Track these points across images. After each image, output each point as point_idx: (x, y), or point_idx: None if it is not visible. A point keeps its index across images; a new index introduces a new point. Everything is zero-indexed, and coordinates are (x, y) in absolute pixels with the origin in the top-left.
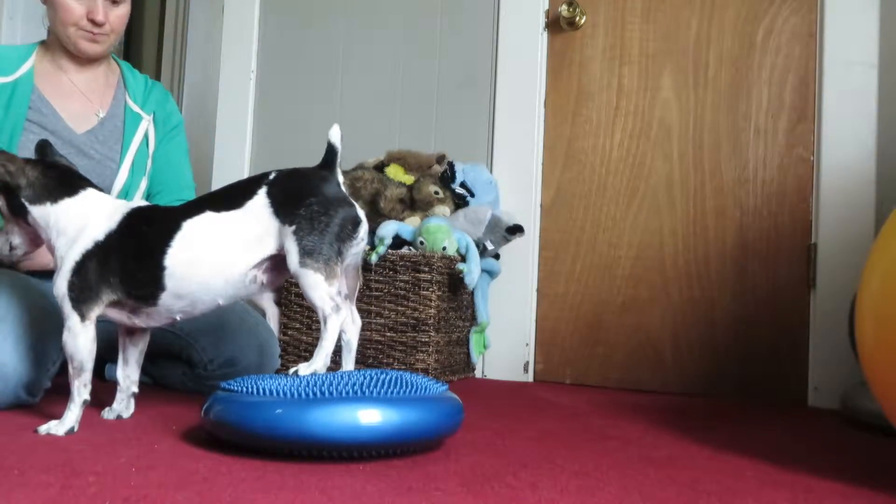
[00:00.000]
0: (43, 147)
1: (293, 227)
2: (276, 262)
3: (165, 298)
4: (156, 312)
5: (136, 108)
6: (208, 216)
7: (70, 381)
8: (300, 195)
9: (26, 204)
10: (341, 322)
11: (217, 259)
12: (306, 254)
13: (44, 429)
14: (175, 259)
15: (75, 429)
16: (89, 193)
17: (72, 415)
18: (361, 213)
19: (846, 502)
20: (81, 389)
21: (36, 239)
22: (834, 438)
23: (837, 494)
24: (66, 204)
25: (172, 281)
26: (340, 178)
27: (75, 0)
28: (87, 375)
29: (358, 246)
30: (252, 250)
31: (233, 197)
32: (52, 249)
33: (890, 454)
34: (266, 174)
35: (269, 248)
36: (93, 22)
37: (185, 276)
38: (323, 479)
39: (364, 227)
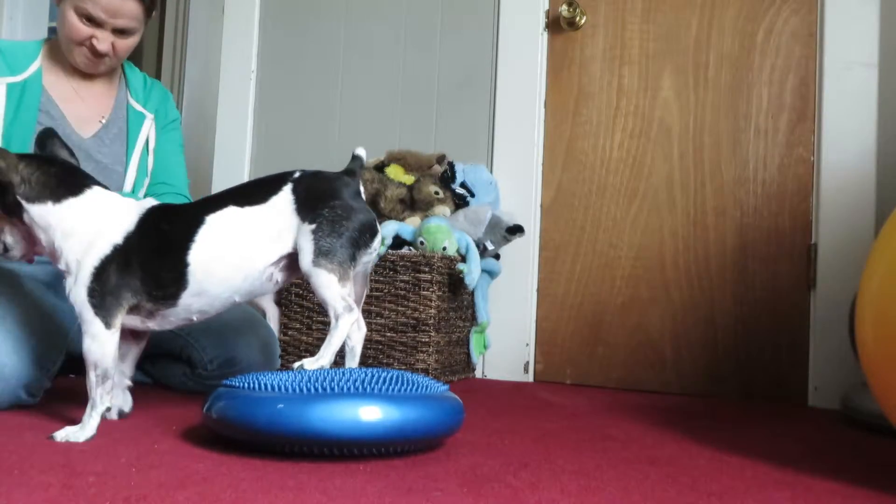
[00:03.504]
0: (45, 138)
1: (313, 226)
2: (292, 261)
3: (185, 297)
4: (173, 313)
5: (138, 107)
6: (231, 211)
7: (90, 388)
8: (324, 196)
9: (23, 202)
10: (352, 322)
11: (239, 255)
12: (322, 254)
13: (61, 435)
14: (199, 255)
15: (94, 436)
16: (96, 192)
17: (93, 422)
18: (378, 224)
19: (846, 502)
20: (104, 397)
21: (32, 239)
22: (834, 438)
23: (837, 494)
24: (71, 204)
25: (194, 278)
26: (361, 188)
27: (82, 23)
28: (111, 383)
29: (371, 255)
30: (272, 247)
31: (256, 192)
32: (54, 252)
33: (890, 454)
34: (290, 172)
35: (287, 246)
36: (95, 49)
37: (208, 272)
38: (323, 479)
39: (379, 238)
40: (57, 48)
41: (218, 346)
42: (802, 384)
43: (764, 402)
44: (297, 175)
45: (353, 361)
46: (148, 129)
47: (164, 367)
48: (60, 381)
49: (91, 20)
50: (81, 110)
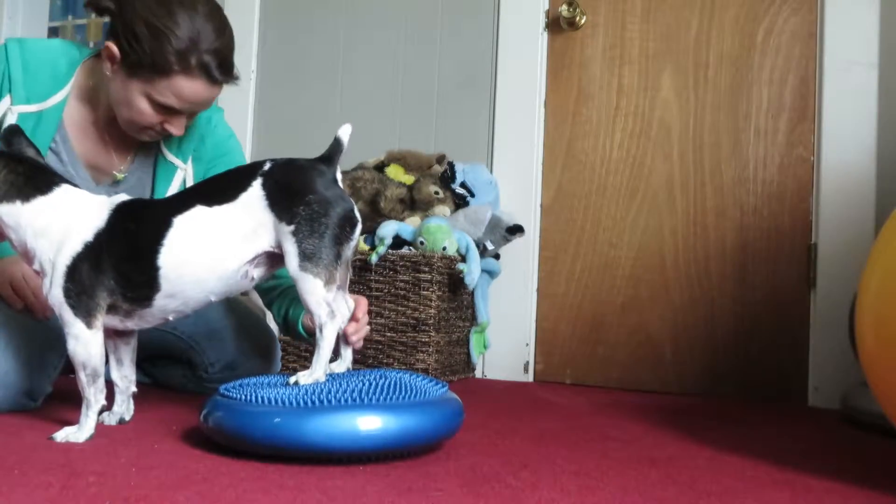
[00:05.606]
0: (10, 135)
1: (292, 228)
2: (268, 257)
3: (159, 299)
4: (149, 314)
5: (170, 158)
6: (199, 211)
7: (82, 388)
8: (298, 191)
9: None
10: (337, 328)
11: (210, 256)
12: (307, 258)
13: (61, 436)
14: (168, 259)
15: (93, 435)
16: (65, 190)
17: (90, 421)
18: (357, 212)
19: (846, 502)
20: (98, 395)
21: None
22: (834, 438)
23: (837, 494)
24: (40, 202)
25: (167, 281)
26: (339, 174)
27: (155, 110)
28: (102, 381)
29: (353, 243)
30: (245, 245)
31: (225, 189)
32: (26, 252)
33: (890, 454)
34: (260, 164)
35: (263, 243)
36: (167, 131)
37: (179, 275)
38: (323, 480)
39: (360, 227)
40: (96, 72)
41: (219, 349)
42: (802, 384)
43: (764, 402)
44: (266, 167)
45: (346, 348)
46: (181, 180)
47: (164, 367)
48: (60, 382)
49: (167, 109)
50: (99, 156)
